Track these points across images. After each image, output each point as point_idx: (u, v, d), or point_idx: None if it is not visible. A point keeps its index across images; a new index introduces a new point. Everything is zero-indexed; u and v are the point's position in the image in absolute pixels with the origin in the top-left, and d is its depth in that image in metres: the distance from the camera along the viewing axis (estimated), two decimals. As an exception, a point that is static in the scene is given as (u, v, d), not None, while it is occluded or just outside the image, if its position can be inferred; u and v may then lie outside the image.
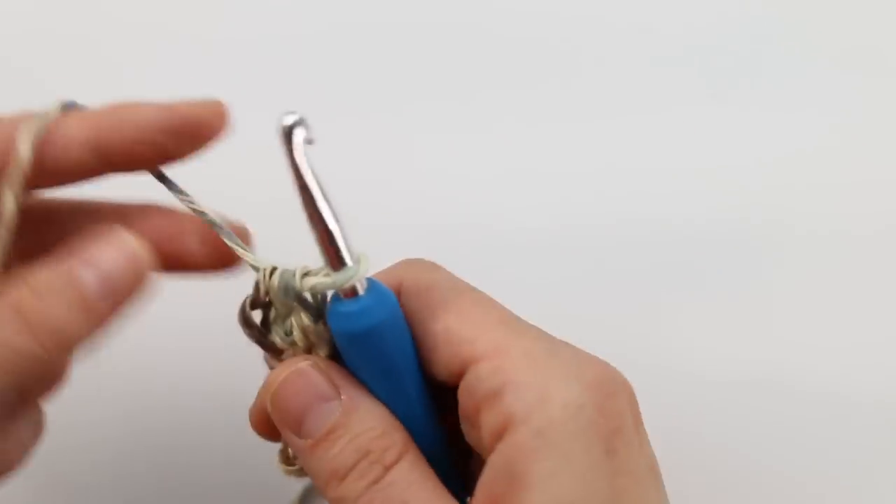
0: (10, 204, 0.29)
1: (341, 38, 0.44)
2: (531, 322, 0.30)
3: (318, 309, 0.30)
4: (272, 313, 0.31)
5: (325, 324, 0.30)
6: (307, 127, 0.27)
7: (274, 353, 0.31)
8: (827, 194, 0.46)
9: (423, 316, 0.30)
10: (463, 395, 0.29)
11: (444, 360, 0.29)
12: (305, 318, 0.30)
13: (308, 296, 0.30)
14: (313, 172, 0.28)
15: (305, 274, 0.30)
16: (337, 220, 0.28)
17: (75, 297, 0.28)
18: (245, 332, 0.31)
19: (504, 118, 0.44)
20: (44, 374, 0.29)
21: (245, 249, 0.31)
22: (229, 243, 0.31)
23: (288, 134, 0.27)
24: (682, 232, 0.44)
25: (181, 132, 0.30)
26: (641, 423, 0.29)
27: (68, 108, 0.30)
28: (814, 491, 0.43)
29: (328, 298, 0.30)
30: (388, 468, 0.28)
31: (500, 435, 0.28)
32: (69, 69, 0.45)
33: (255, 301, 0.31)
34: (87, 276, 0.28)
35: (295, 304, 0.30)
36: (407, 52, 0.44)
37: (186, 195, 0.31)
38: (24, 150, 0.29)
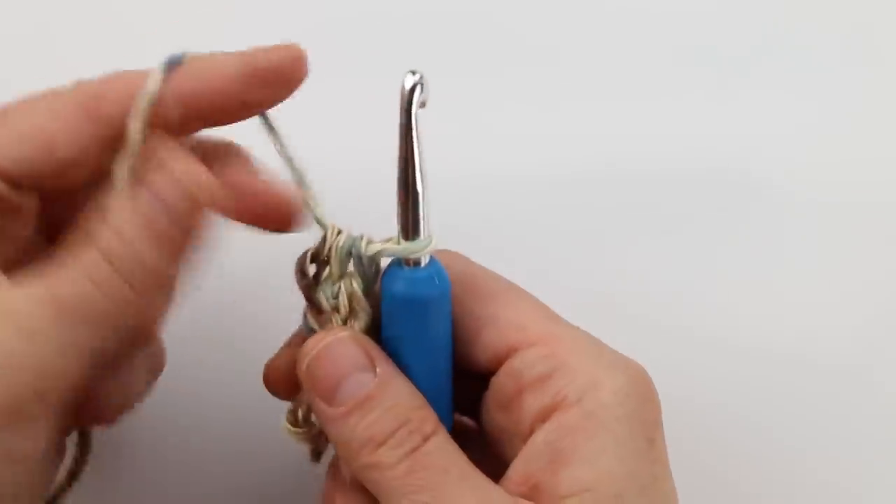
0: (136, 134, 0.29)
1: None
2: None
3: (370, 279, 0.31)
4: (325, 272, 0.31)
5: (371, 295, 0.31)
6: (425, 89, 0.29)
7: (315, 310, 0.31)
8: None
9: (469, 301, 0.31)
10: (504, 378, 0.30)
11: (489, 343, 0.31)
12: (356, 285, 0.30)
13: (365, 264, 0.30)
14: (419, 138, 0.29)
15: (369, 242, 0.31)
16: (426, 192, 0.29)
17: (148, 230, 0.28)
18: (298, 280, 0.31)
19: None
20: (140, 316, 0.29)
21: (317, 205, 0.32)
22: (305, 197, 0.31)
23: (410, 93, 0.28)
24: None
25: (261, 80, 0.29)
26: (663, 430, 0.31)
27: (174, 62, 0.30)
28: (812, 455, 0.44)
29: (381, 271, 0.31)
30: (426, 438, 0.28)
31: (545, 417, 0.29)
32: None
33: (315, 255, 0.31)
34: (147, 197, 0.28)
35: (351, 268, 0.31)
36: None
37: (281, 141, 0.32)
38: (151, 87, 0.29)
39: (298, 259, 0.31)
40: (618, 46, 0.45)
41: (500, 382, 0.31)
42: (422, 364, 0.31)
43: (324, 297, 0.31)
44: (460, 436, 0.30)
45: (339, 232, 0.31)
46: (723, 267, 0.44)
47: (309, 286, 0.31)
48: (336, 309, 0.31)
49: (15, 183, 0.29)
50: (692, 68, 0.45)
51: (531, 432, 0.29)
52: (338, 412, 0.29)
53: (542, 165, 0.44)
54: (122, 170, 0.29)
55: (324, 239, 0.31)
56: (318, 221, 0.31)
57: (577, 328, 0.31)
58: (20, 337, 0.26)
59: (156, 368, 0.34)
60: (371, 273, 0.31)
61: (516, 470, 0.29)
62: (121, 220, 0.28)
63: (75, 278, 0.27)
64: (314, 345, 0.30)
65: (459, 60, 0.43)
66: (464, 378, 0.32)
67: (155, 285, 0.28)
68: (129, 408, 0.33)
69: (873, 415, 0.44)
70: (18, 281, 0.28)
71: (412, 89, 0.28)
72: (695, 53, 0.45)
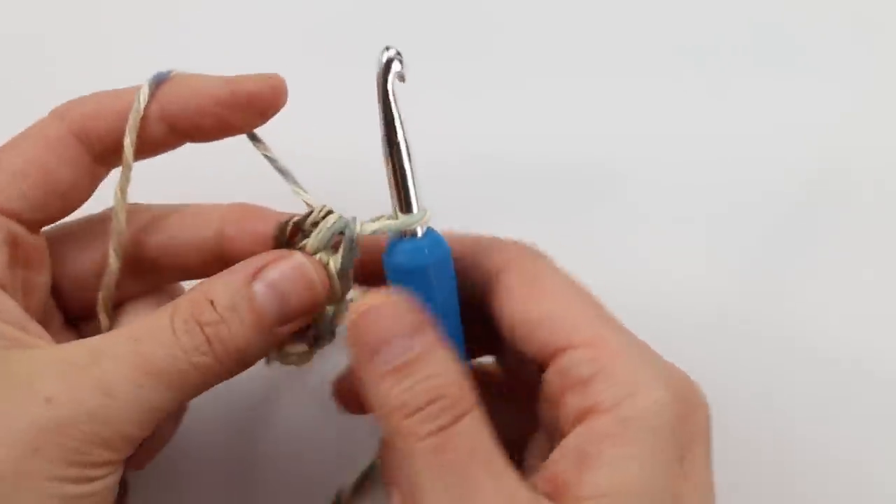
0: (130, 148, 0.32)
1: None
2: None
3: (347, 262, 0.31)
4: (300, 242, 0.31)
5: (345, 277, 0.31)
6: (402, 63, 0.29)
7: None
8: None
9: (526, 299, 0.31)
10: (552, 376, 0.30)
11: (541, 341, 0.30)
12: (332, 263, 0.31)
13: (352, 247, 0.31)
14: (399, 112, 0.30)
15: (364, 222, 0.31)
16: (412, 165, 0.30)
17: (252, 315, 0.29)
18: (273, 239, 0.32)
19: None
20: (216, 383, 0.30)
21: (305, 191, 0.32)
22: (290, 184, 0.32)
23: (386, 66, 0.29)
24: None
25: (240, 105, 0.31)
26: (710, 447, 0.30)
27: (160, 79, 0.32)
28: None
29: (357, 256, 0.31)
30: (459, 417, 0.28)
31: (580, 419, 0.29)
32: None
33: (297, 224, 0.31)
34: (260, 288, 0.30)
35: (330, 247, 0.31)
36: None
37: (261, 141, 0.33)
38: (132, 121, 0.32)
39: (280, 221, 0.32)
40: (605, 28, 0.45)
41: (549, 380, 0.30)
42: None
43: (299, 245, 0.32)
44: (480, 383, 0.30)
45: (330, 212, 0.31)
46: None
47: (280, 248, 0.32)
48: None
49: (28, 223, 0.32)
50: (683, 55, 0.45)
51: (567, 433, 0.29)
52: (376, 372, 0.28)
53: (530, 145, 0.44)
54: (121, 186, 0.32)
55: (308, 213, 0.32)
56: (307, 203, 0.32)
57: (631, 333, 0.31)
58: (97, 392, 0.28)
59: (181, 413, 0.36)
60: (351, 256, 0.31)
61: (546, 467, 0.29)
62: (227, 303, 0.29)
63: (167, 345, 0.29)
64: (365, 302, 0.29)
65: (444, 43, 0.44)
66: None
67: (244, 364, 0.30)
68: (159, 452, 0.35)
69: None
70: (108, 336, 0.30)
71: (388, 63, 0.29)
72: (695, 41, 0.45)
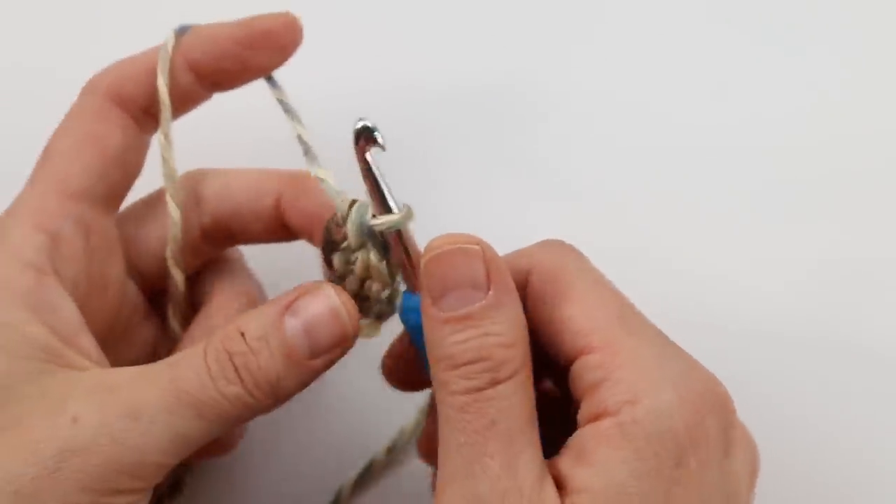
0: (165, 88, 0.33)
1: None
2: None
3: (381, 248, 0.31)
4: (343, 241, 0.32)
5: (389, 263, 0.32)
6: (379, 134, 0.29)
7: (331, 271, 0.32)
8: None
9: (550, 302, 0.31)
10: (571, 381, 0.30)
11: (564, 345, 0.31)
12: (373, 256, 0.31)
13: (375, 234, 0.31)
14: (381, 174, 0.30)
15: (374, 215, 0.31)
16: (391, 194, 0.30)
17: (282, 348, 0.30)
18: (323, 240, 0.32)
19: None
20: (252, 416, 0.30)
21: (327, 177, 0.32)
22: (317, 174, 0.32)
23: (362, 138, 0.29)
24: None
25: (259, 44, 0.33)
26: (734, 445, 0.30)
27: (181, 32, 0.34)
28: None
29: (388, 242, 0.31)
30: (496, 383, 0.28)
31: (590, 422, 0.29)
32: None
33: (337, 224, 0.31)
34: (291, 322, 0.30)
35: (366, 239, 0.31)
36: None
37: (288, 105, 0.33)
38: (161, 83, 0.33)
39: (326, 223, 0.32)
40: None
41: (572, 383, 0.31)
42: None
43: (337, 261, 0.32)
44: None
45: (353, 202, 0.31)
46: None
47: (327, 248, 0.32)
48: (345, 275, 0.32)
49: (97, 200, 0.33)
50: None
51: None
52: (437, 317, 0.29)
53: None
54: (163, 131, 0.33)
55: (339, 212, 0.31)
56: (333, 196, 0.31)
57: (647, 331, 0.31)
58: (124, 415, 0.28)
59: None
60: (382, 243, 0.31)
61: (553, 461, 0.29)
62: (258, 334, 0.30)
63: (198, 371, 0.29)
64: (442, 243, 0.29)
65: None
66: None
67: (278, 397, 0.30)
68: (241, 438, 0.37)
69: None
70: (143, 366, 0.30)
71: (360, 135, 0.29)
72: None
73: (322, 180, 0.31)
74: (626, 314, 0.31)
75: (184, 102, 0.34)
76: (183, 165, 0.34)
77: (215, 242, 0.37)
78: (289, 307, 0.30)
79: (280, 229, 0.36)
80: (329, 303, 0.30)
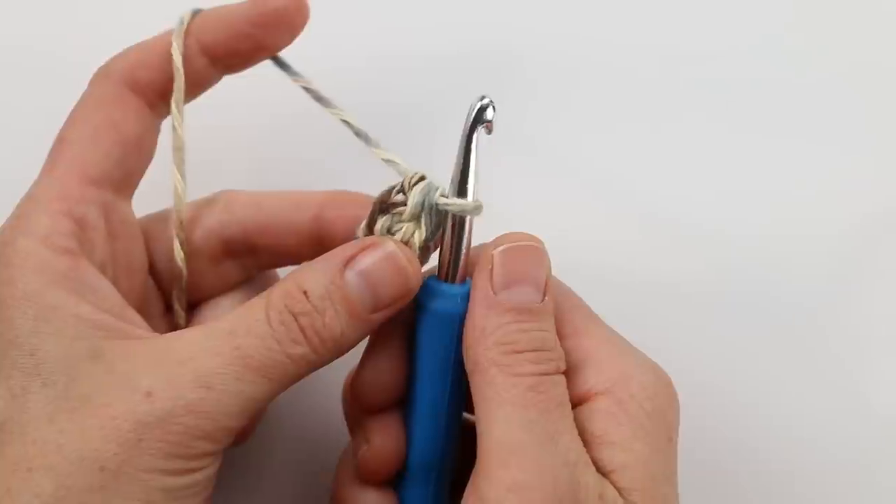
0: (179, 60, 0.33)
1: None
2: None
3: (433, 230, 0.31)
4: (398, 208, 0.32)
5: (425, 248, 0.32)
6: (494, 113, 0.30)
7: (370, 231, 0.32)
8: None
9: None
10: None
11: None
12: (417, 235, 0.31)
13: (435, 215, 0.31)
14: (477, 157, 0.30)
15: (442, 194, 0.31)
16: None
17: (346, 305, 0.30)
18: (378, 199, 0.32)
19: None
20: (311, 371, 0.30)
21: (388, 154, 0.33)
22: (378, 154, 0.32)
23: (477, 115, 0.30)
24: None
25: (269, 23, 0.33)
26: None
27: (194, 15, 0.34)
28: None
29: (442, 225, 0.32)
30: (556, 371, 0.30)
31: (576, 405, 0.31)
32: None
33: (384, 199, 0.32)
34: (352, 277, 0.30)
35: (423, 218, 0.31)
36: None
37: (308, 83, 0.34)
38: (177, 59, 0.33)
39: (392, 186, 0.32)
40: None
41: None
42: (437, 373, 0.32)
43: (380, 224, 0.32)
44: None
45: (422, 178, 0.31)
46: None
47: (376, 209, 0.32)
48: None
49: (117, 185, 0.32)
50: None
51: None
52: (501, 304, 0.30)
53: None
54: (176, 103, 0.33)
55: (391, 188, 0.32)
56: (401, 168, 0.32)
57: (609, 328, 0.33)
58: (197, 386, 0.28)
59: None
60: (435, 224, 0.32)
61: None
62: (321, 293, 0.30)
63: (263, 337, 0.29)
64: (515, 237, 0.31)
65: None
66: None
67: (340, 352, 0.30)
68: (257, 425, 0.36)
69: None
70: (204, 328, 0.30)
71: (478, 112, 0.30)
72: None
73: (388, 159, 0.32)
74: (589, 313, 0.33)
75: (196, 85, 0.34)
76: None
77: (235, 256, 0.36)
78: (349, 262, 0.30)
79: (314, 246, 0.35)
80: (393, 258, 0.30)
